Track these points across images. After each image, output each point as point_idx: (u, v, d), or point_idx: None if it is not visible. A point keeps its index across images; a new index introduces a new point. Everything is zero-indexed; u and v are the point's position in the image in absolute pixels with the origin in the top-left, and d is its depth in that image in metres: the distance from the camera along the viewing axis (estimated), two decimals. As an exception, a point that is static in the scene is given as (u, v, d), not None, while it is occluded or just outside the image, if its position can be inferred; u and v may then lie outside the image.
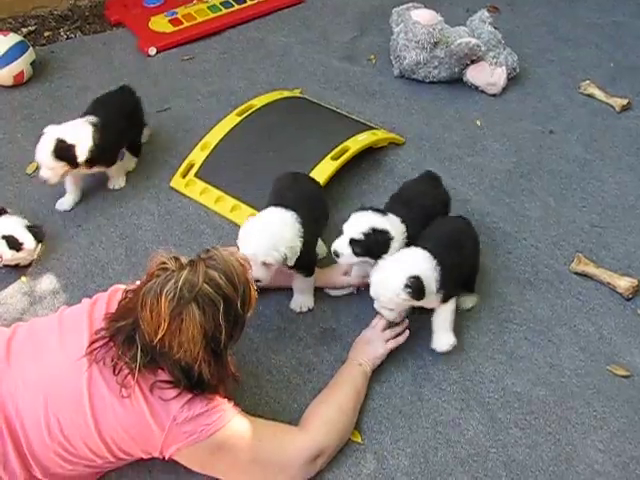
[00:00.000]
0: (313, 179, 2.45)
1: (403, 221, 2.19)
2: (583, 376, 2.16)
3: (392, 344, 2.15)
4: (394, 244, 2.12)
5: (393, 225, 2.15)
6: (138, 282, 1.80)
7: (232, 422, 1.77)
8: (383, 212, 2.17)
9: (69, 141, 2.50)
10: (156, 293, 1.63)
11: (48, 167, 2.50)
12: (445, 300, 2.11)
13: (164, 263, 1.69)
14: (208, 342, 1.67)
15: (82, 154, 2.50)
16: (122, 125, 2.69)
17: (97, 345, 1.73)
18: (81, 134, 2.54)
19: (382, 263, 2.06)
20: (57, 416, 1.71)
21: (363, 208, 2.18)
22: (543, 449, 1.98)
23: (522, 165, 2.87)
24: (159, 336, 1.63)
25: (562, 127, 3.07)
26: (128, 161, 2.82)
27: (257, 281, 1.97)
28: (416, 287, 1.98)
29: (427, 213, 2.29)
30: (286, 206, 2.16)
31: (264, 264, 2.05)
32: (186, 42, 3.54)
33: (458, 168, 2.83)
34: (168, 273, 1.66)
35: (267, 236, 2.06)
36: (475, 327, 2.28)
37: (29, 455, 1.72)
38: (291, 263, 2.10)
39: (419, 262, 2.04)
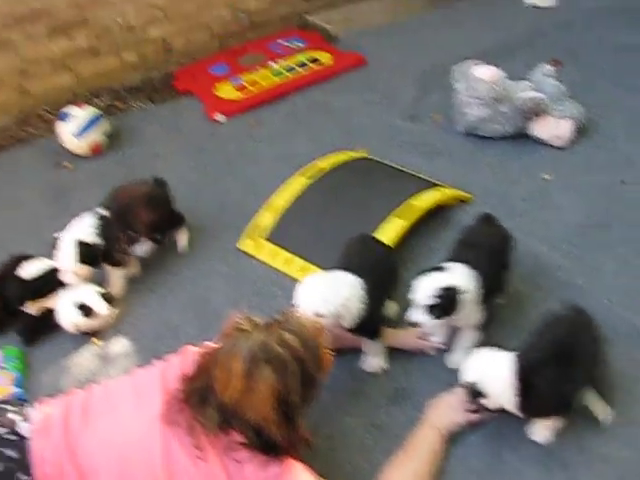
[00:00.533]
0: (383, 243, 2.44)
1: (470, 263, 2.15)
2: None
3: (475, 417, 2.06)
4: (466, 296, 2.09)
5: (458, 276, 2.11)
6: (209, 343, 1.82)
7: None
8: (442, 268, 2.14)
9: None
10: (230, 353, 1.66)
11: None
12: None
13: (239, 324, 1.72)
14: (280, 404, 1.67)
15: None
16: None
17: (172, 407, 1.74)
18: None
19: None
20: (133, 478, 1.73)
21: (422, 272, 2.15)
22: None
23: (593, 217, 2.80)
24: (231, 396, 1.64)
25: (633, 177, 2.99)
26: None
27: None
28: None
29: (491, 250, 2.27)
30: (352, 271, 2.16)
31: (317, 315, 2.03)
32: (252, 108, 3.64)
33: (527, 223, 2.79)
34: (243, 334, 1.68)
35: (321, 289, 2.07)
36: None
37: None
38: (346, 324, 2.09)
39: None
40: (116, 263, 2.63)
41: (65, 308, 2.50)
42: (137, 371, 1.99)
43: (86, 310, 2.47)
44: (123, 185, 2.74)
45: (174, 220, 2.80)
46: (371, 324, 2.19)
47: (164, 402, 1.76)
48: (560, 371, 1.91)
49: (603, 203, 2.88)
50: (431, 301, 2.06)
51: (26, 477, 1.73)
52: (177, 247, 2.81)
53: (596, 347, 2.04)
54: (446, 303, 2.06)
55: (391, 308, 2.39)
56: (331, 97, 3.66)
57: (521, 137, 3.23)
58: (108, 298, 2.53)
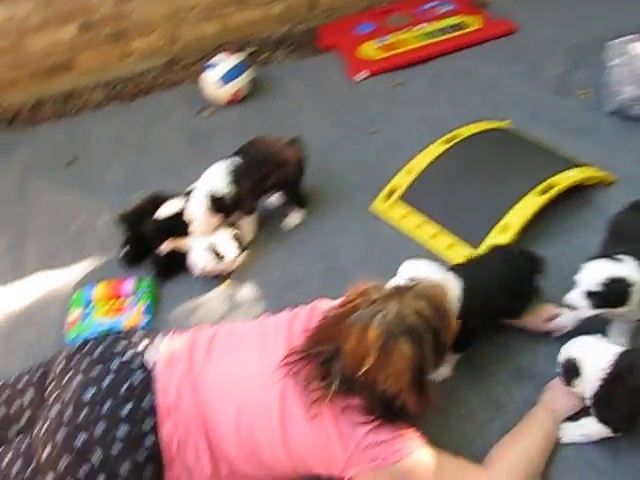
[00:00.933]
0: None
1: (631, 255, 2.03)
2: None
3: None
4: (635, 290, 1.98)
5: (629, 268, 2.00)
6: (336, 302, 1.83)
7: (417, 452, 1.74)
8: (618, 259, 2.02)
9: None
10: (364, 325, 1.65)
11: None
12: None
13: (367, 292, 1.72)
14: (415, 374, 1.66)
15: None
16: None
17: (293, 360, 1.78)
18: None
19: None
20: (249, 420, 1.78)
21: (596, 257, 2.05)
22: None
23: None
24: (364, 369, 1.64)
25: None
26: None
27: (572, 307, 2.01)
28: None
29: None
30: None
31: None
32: (395, 68, 3.60)
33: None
34: (374, 304, 1.67)
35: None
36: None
37: (219, 452, 1.80)
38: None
39: None
40: (248, 211, 2.69)
41: (198, 251, 2.58)
42: (265, 318, 2.04)
43: (217, 254, 2.54)
44: (262, 136, 2.78)
45: (300, 182, 2.80)
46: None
47: (287, 356, 1.79)
48: None
49: None
50: (598, 289, 1.97)
51: (150, 402, 1.82)
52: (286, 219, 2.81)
53: None
54: (613, 294, 1.97)
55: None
56: (477, 64, 3.56)
57: (676, 121, 3.04)
58: (240, 243, 2.59)
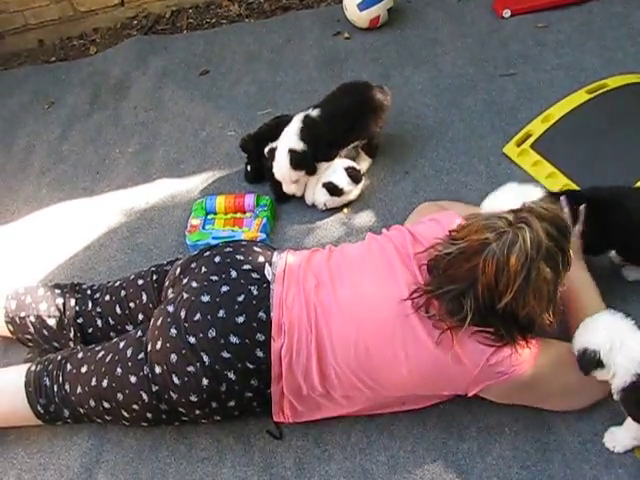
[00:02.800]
0: None
1: None
2: None
3: None
4: None
5: None
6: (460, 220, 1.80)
7: (540, 360, 1.79)
8: None
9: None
10: (503, 256, 1.62)
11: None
12: None
13: (491, 225, 1.67)
14: (553, 295, 1.69)
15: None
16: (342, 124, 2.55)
17: (417, 296, 1.77)
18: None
19: None
20: (367, 344, 1.79)
21: None
22: None
23: None
24: (505, 300, 1.64)
25: None
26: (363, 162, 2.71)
27: None
28: None
29: None
30: None
31: None
32: (544, 9, 3.40)
33: None
34: (504, 233, 1.64)
35: None
36: None
37: (333, 375, 1.82)
38: None
39: None
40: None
41: (314, 187, 2.59)
42: (373, 241, 2.01)
43: (331, 189, 2.53)
44: (351, 82, 2.68)
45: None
46: None
47: (410, 290, 1.78)
48: None
49: None
50: None
51: (264, 315, 1.86)
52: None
53: None
54: None
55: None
56: (635, 11, 3.31)
57: None
58: (355, 176, 2.56)
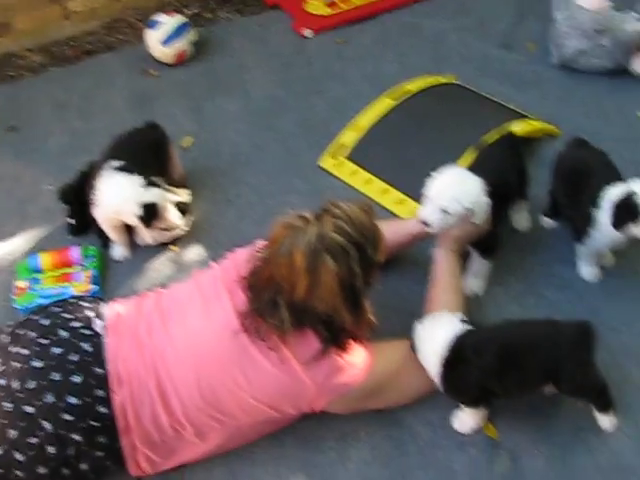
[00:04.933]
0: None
1: None
2: None
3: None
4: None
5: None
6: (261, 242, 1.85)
7: (377, 365, 1.85)
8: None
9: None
10: (289, 251, 1.68)
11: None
12: None
13: (290, 223, 1.74)
14: (345, 290, 1.71)
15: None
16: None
17: (246, 319, 1.79)
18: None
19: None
20: (208, 379, 1.79)
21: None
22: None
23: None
24: (299, 293, 1.68)
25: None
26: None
27: (425, 224, 2.02)
28: None
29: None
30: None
31: (443, 211, 2.02)
32: (341, 25, 3.55)
33: (618, 164, 2.67)
34: (297, 230, 1.70)
35: (453, 186, 2.05)
36: (626, 330, 2.16)
37: (182, 415, 1.81)
38: (478, 220, 2.07)
39: None
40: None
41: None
42: (199, 275, 2.04)
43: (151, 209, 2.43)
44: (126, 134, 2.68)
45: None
46: (487, 236, 2.18)
47: (238, 316, 1.80)
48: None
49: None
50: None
51: (101, 370, 1.81)
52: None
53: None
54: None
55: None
56: (423, 19, 3.54)
57: (620, 73, 3.08)
58: (183, 209, 2.55)
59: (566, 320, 1.87)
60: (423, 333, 1.90)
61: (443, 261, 2.15)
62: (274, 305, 1.73)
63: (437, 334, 1.88)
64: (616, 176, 2.20)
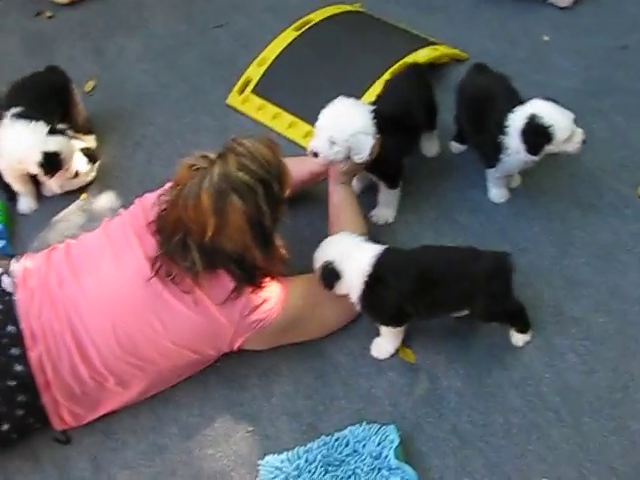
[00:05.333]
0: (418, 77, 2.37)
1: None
2: (646, 304, 2.08)
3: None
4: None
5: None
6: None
7: (291, 299, 1.87)
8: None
9: None
10: (195, 193, 1.66)
11: None
12: None
13: (194, 165, 1.71)
14: (254, 228, 1.70)
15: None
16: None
17: (157, 264, 1.77)
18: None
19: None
20: (125, 327, 1.78)
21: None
22: (599, 376, 1.93)
23: (591, 83, 2.72)
24: (209, 233, 1.67)
25: (637, 42, 2.88)
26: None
27: (315, 154, 2.01)
28: None
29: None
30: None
31: (330, 142, 2.01)
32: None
33: (523, 85, 2.66)
34: (201, 172, 1.68)
35: (338, 116, 2.04)
36: (534, 250, 2.22)
37: (101, 365, 1.79)
38: (358, 159, 2.05)
39: None
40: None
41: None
42: (107, 223, 2.00)
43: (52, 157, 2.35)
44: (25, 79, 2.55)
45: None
46: (390, 166, 2.18)
47: (151, 262, 1.78)
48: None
49: (602, 68, 2.79)
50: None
51: (13, 328, 1.78)
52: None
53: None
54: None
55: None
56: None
57: (524, -5, 3.09)
58: (90, 155, 2.48)
59: (486, 250, 1.90)
60: (323, 253, 1.92)
61: (334, 193, 2.15)
62: (184, 247, 1.72)
63: (360, 254, 1.89)
64: (518, 100, 2.21)
